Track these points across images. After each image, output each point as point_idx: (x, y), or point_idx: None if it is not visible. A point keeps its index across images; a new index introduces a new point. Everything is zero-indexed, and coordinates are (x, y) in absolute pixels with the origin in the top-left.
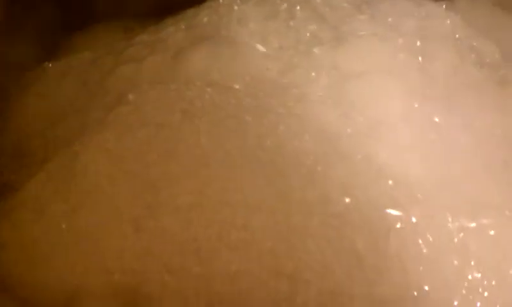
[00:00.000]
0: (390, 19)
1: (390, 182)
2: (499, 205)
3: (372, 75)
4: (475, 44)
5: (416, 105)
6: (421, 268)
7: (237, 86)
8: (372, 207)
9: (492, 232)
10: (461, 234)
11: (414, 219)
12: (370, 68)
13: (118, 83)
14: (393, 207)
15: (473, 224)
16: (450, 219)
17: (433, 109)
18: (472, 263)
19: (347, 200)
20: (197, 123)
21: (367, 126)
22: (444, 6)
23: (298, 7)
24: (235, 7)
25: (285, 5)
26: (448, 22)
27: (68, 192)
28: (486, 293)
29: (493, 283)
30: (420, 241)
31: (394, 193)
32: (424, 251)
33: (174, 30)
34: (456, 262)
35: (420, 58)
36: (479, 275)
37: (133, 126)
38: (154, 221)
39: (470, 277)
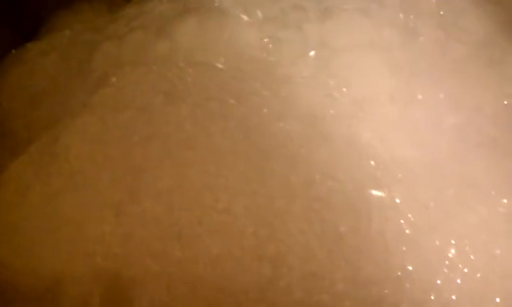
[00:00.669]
0: None
1: (373, 163)
2: (485, 185)
3: (357, 51)
4: (460, 21)
5: (401, 83)
6: (404, 248)
7: (220, 66)
8: (355, 189)
9: (476, 212)
10: (444, 214)
11: (397, 200)
12: (356, 43)
13: (100, 62)
14: (376, 188)
15: (457, 204)
16: (433, 200)
17: (419, 86)
18: (453, 241)
19: (330, 183)
20: (179, 106)
21: (352, 106)
22: None
23: None
24: None
25: None
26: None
27: (50, 176)
28: (466, 270)
29: (475, 261)
30: (402, 221)
31: (377, 174)
32: (407, 231)
33: (157, 4)
34: (437, 242)
35: (404, 34)
36: (462, 254)
37: (115, 109)
38: (136, 206)
39: (450, 255)
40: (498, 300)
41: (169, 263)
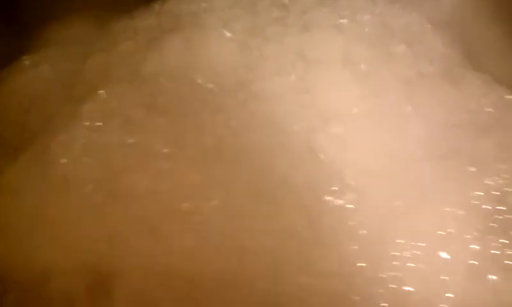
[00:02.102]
0: (347, 13)
1: (331, 172)
2: (441, 193)
3: (330, 65)
4: (426, 41)
5: (369, 96)
6: (355, 247)
7: (200, 81)
8: (310, 195)
9: (428, 218)
10: (395, 219)
11: (350, 205)
12: (329, 58)
13: (89, 75)
14: (330, 194)
15: (409, 210)
16: (387, 205)
17: (387, 99)
18: (402, 241)
19: (288, 189)
20: (158, 119)
21: (319, 119)
22: (398, 5)
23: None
24: None
25: None
26: (403, 18)
27: (40, 181)
28: (412, 268)
29: (420, 259)
30: (354, 223)
31: (333, 182)
32: (359, 232)
33: (145, 19)
34: (387, 243)
35: (375, 50)
36: (409, 253)
37: (101, 120)
38: (116, 207)
39: (398, 254)
40: (450, 295)
41: (145, 257)
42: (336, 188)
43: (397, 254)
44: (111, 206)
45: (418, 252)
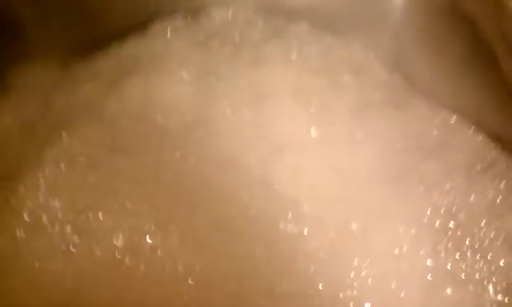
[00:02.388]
0: (295, 46)
1: (286, 200)
2: (392, 214)
3: (281, 98)
4: (371, 69)
5: (321, 125)
6: (312, 269)
7: (158, 120)
8: (267, 223)
9: (381, 240)
10: (349, 242)
11: (305, 232)
12: (280, 91)
13: (52, 118)
14: (286, 221)
15: (363, 232)
16: (340, 229)
17: (338, 127)
18: (356, 263)
19: (245, 219)
20: (119, 159)
21: (272, 151)
22: (343, 38)
23: (213, 37)
24: (158, 39)
25: (202, 35)
26: (347, 50)
27: (9, 224)
28: (370, 286)
29: (377, 277)
30: (309, 248)
31: (289, 209)
32: (316, 255)
33: (104, 61)
34: (342, 265)
35: (324, 81)
36: (364, 274)
37: (64, 162)
38: (82, 244)
39: (353, 275)
40: None
41: (111, 291)
42: (291, 215)
43: (355, 273)
44: (77, 243)
45: (375, 271)
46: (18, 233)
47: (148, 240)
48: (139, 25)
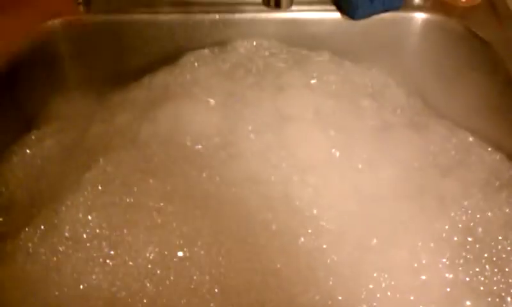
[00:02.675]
0: (316, 74)
1: (307, 216)
2: (410, 230)
3: (302, 121)
4: (390, 93)
5: (340, 146)
6: (331, 281)
7: (188, 143)
8: (289, 236)
9: (399, 254)
10: (367, 256)
11: (324, 245)
12: (302, 114)
13: (90, 145)
14: (306, 236)
15: (381, 247)
16: (358, 242)
17: (357, 147)
18: (375, 275)
19: (269, 233)
20: (151, 181)
21: (294, 171)
22: (361, 65)
23: (239, 67)
24: (187, 69)
25: (228, 65)
26: (366, 76)
27: (53, 240)
28: (389, 297)
29: (396, 289)
30: (329, 261)
31: (309, 224)
32: (336, 268)
33: (139, 92)
34: (361, 278)
35: (343, 105)
36: (382, 287)
37: (101, 186)
38: (118, 258)
39: (371, 287)
40: None
41: (144, 300)
42: (311, 230)
43: (374, 286)
44: (112, 257)
45: (394, 284)
46: (60, 248)
47: (178, 253)
48: (170, 58)
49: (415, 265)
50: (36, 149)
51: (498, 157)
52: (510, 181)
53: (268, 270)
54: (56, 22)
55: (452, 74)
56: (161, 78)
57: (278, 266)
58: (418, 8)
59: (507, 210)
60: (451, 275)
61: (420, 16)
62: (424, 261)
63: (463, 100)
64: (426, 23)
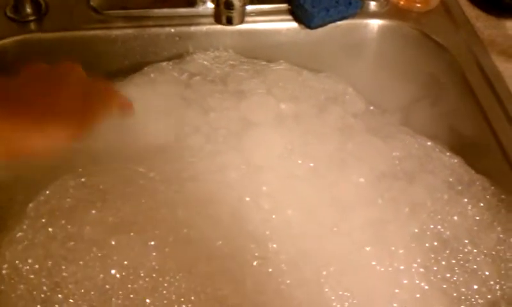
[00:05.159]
0: (280, 83)
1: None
2: (377, 233)
3: (262, 127)
4: (350, 100)
5: (296, 150)
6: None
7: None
8: (236, 262)
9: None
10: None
11: (270, 269)
12: (263, 120)
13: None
14: (253, 259)
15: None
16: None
17: (313, 150)
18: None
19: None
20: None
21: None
22: (320, 74)
23: (198, 78)
24: (144, 82)
25: (184, 75)
26: (325, 84)
27: None
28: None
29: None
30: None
31: (252, 244)
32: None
33: None
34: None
35: (305, 110)
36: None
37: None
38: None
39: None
40: None
41: None
42: (258, 251)
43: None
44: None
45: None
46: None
47: (119, 286)
48: (126, 72)
49: (390, 269)
50: None
51: (456, 160)
52: (469, 185)
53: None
54: (7, 41)
55: (409, 79)
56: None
57: (225, 292)
58: (374, 15)
59: (470, 214)
60: (422, 279)
61: (376, 23)
62: (396, 265)
63: (420, 105)
64: (382, 29)
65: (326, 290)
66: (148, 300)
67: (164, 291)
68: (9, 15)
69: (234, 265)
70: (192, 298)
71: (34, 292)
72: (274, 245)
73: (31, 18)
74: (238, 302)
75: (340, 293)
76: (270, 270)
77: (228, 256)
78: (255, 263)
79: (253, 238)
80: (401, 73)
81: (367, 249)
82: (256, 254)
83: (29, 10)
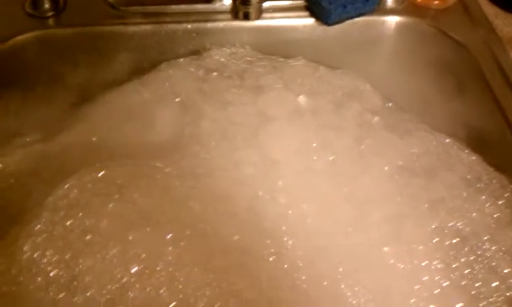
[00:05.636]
0: (298, 79)
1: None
2: (396, 230)
3: (281, 121)
4: (367, 97)
5: (311, 145)
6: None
7: (158, 164)
8: (253, 255)
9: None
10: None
11: (285, 266)
12: (281, 113)
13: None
14: (268, 254)
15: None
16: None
17: (332, 145)
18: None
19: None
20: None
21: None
22: (338, 70)
23: (215, 74)
24: (162, 78)
25: (201, 71)
26: (342, 80)
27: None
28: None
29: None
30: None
31: (267, 239)
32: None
33: (110, 106)
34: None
35: (323, 105)
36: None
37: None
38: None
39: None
40: None
41: None
42: (273, 247)
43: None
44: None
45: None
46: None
47: (136, 279)
48: (144, 68)
49: (409, 266)
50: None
51: (474, 157)
52: (488, 182)
53: (230, 290)
54: (26, 36)
55: (427, 78)
56: (134, 88)
57: (239, 286)
58: (391, 11)
59: (489, 211)
60: (441, 276)
61: (393, 20)
62: (415, 263)
63: (438, 102)
64: (399, 26)
65: (343, 286)
66: (164, 294)
67: (180, 286)
68: (28, 11)
69: (250, 260)
70: (208, 292)
71: (53, 284)
72: (290, 241)
73: (49, 14)
74: (253, 297)
75: (357, 289)
76: (285, 265)
77: (243, 251)
78: (270, 259)
79: (269, 233)
80: (418, 70)
81: (385, 244)
82: (272, 249)
83: (47, 6)
